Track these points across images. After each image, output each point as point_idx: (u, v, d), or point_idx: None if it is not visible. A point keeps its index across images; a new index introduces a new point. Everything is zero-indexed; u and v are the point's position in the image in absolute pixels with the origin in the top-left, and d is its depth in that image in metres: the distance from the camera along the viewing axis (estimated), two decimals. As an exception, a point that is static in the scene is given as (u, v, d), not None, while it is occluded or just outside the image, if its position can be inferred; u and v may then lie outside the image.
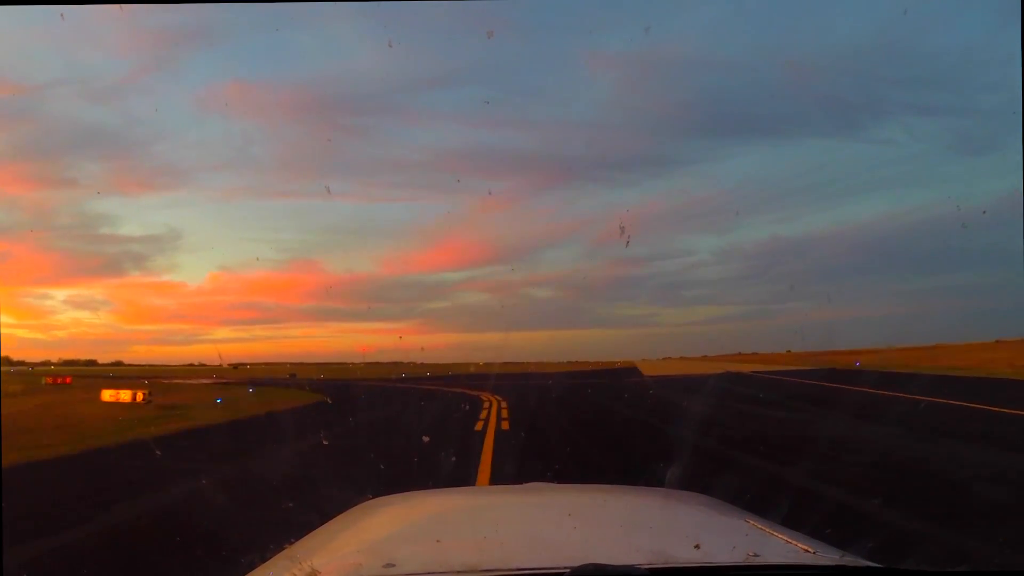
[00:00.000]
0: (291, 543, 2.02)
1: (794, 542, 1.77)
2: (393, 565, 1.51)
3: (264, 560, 1.87)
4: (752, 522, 2.02)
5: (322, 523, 2.27)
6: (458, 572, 1.43)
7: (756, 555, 1.59)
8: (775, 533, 1.87)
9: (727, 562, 1.57)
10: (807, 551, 1.67)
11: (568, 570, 1.31)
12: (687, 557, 1.57)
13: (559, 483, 3.41)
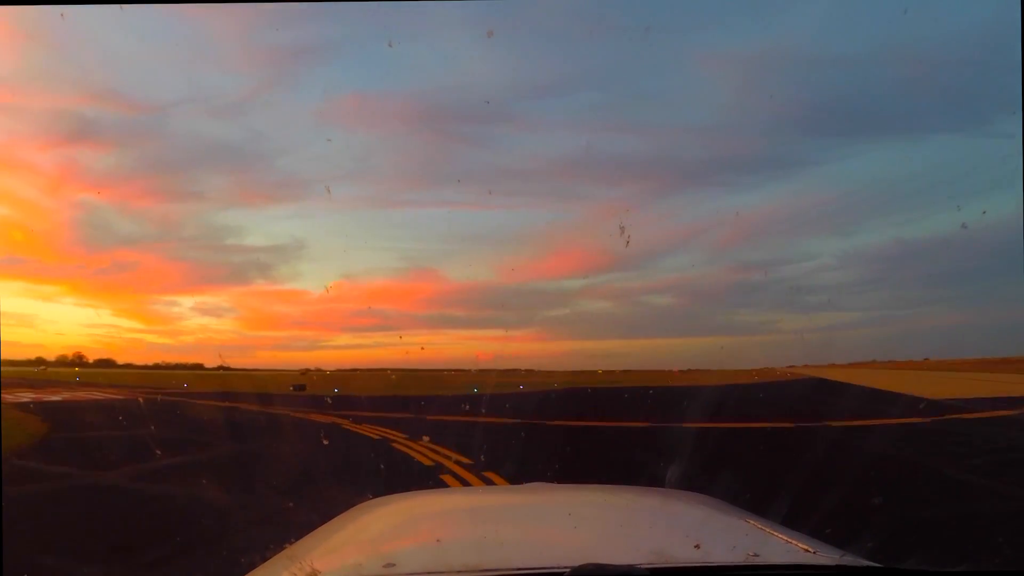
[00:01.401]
0: (291, 543, 2.02)
1: (794, 542, 1.77)
2: (393, 565, 1.51)
3: (264, 560, 1.87)
4: (752, 522, 2.02)
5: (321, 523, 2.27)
6: (458, 572, 1.43)
7: (756, 555, 1.59)
8: (775, 533, 1.87)
9: (727, 562, 1.57)
10: (807, 551, 1.67)
11: (568, 570, 1.31)
12: (687, 557, 1.57)
13: (559, 483, 3.40)
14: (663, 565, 1.45)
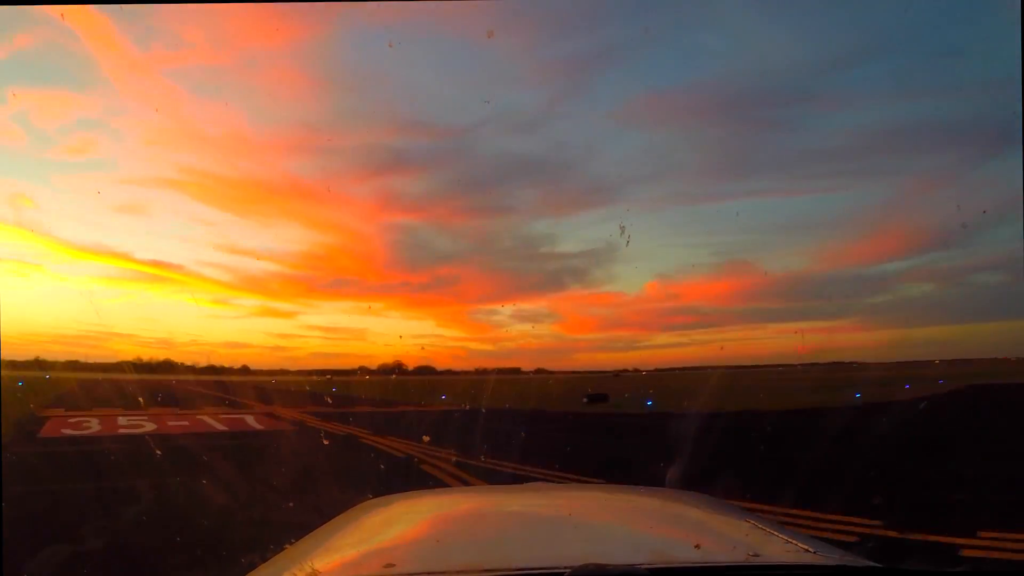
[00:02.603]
0: (291, 543, 2.02)
1: (794, 542, 1.76)
2: (393, 565, 1.51)
3: (264, 560, 1.87)
4: (752, 522, 2.02)
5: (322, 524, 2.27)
6: (458, 572, 1.43)
7: (756, 555, 1.59)
8: (775, 533, 1.87)
9: (727, 562, 1.56)
10: (807, 551, 1.67)
11: (568, 570, 1.31)
12: (687, 557, 1.57)
13: (559, 483, 3.40)
14: (663, 565, 1.44)
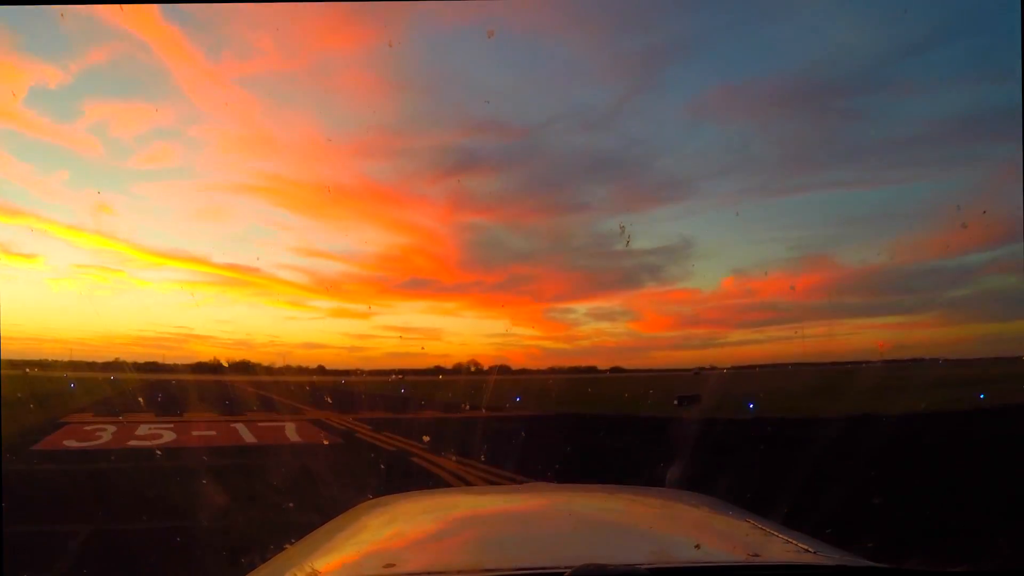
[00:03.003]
0: (291, 543, 2.02)
1: (794, 542, 1.77)
2: (393, 565, 1.51)
3: (264, 560, 1.87)
4: (752, 522, 2.02)
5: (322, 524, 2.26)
6: (458, 572, 1.43)
7: (756, 555, 1.59)
8: (775, 533, 1.87)
9: (728, 562, 1.57)
10: (807, 551, 1.67)
11: (568, 570, 1.31)
12: (688, 557, 1.57)
13: (559, 483, 3.40)
14: (664, 565, 1.45)
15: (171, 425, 19.01)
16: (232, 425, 19.77)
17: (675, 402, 27.23)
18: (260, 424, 20.42)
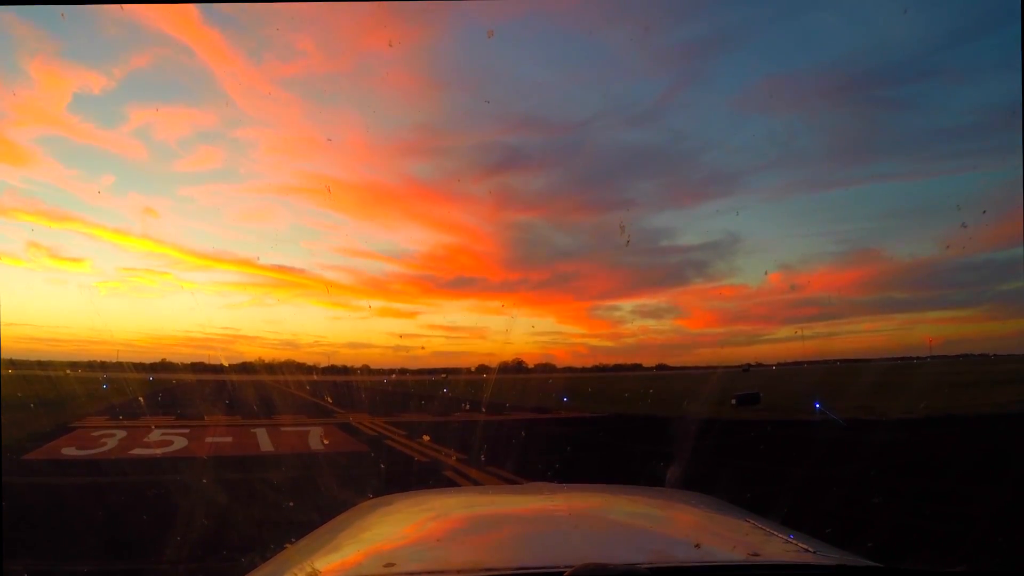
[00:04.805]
0: (291, 543, 2.02)
1: (794, 542, 1.75)
2: (393, 565, 1.51)
3: (264, 560, 1.87)
4: (752, 522, 2.00)
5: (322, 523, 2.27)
6: (458, 572, 1.43)
7: (756, 555, 1.58)
8: (775, 533, 1.86)
9: (728, 561, 1.56)
10: (807, 551, 1.66)
11: (568, 570, 1.30)
12: (688, 556, 1.56)
13: (559, 483, 3.39)
14: (664, 565, 1.44)
15: (186, 430, 17.70)
16: (252, 431, 18.37)
17: (732, 401, 25.60)
18: (284, 429, 18.93)
